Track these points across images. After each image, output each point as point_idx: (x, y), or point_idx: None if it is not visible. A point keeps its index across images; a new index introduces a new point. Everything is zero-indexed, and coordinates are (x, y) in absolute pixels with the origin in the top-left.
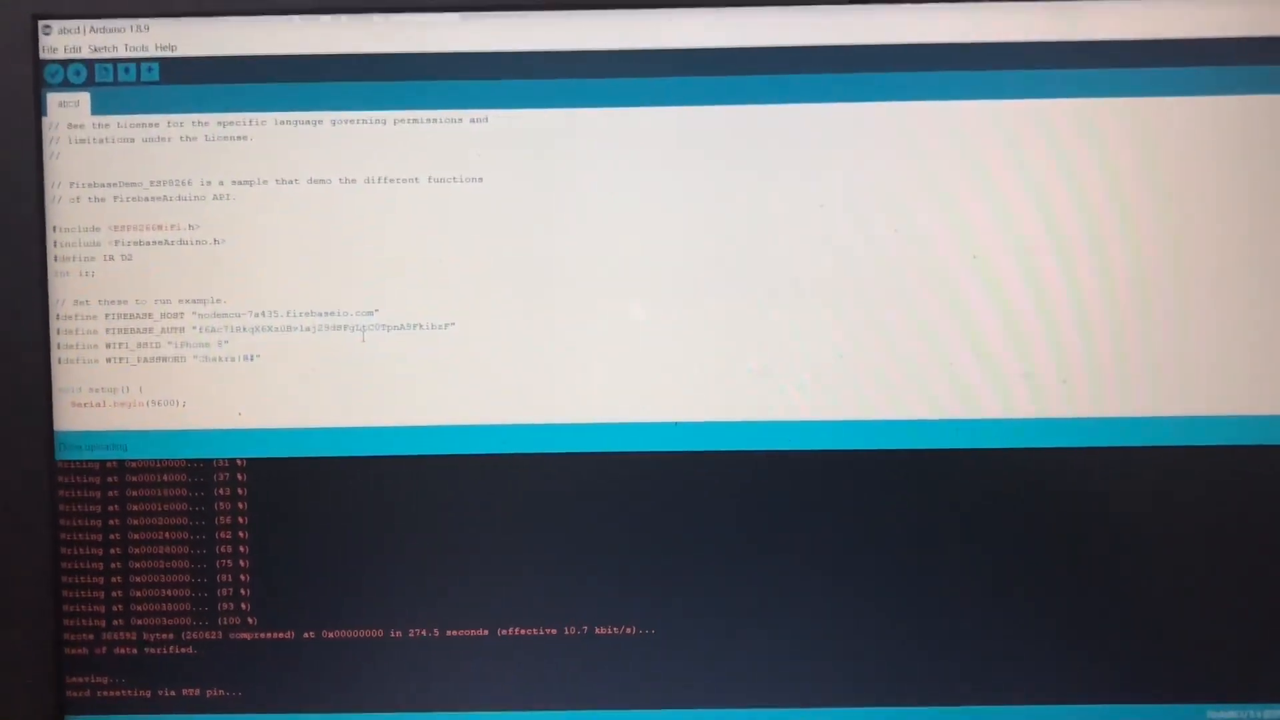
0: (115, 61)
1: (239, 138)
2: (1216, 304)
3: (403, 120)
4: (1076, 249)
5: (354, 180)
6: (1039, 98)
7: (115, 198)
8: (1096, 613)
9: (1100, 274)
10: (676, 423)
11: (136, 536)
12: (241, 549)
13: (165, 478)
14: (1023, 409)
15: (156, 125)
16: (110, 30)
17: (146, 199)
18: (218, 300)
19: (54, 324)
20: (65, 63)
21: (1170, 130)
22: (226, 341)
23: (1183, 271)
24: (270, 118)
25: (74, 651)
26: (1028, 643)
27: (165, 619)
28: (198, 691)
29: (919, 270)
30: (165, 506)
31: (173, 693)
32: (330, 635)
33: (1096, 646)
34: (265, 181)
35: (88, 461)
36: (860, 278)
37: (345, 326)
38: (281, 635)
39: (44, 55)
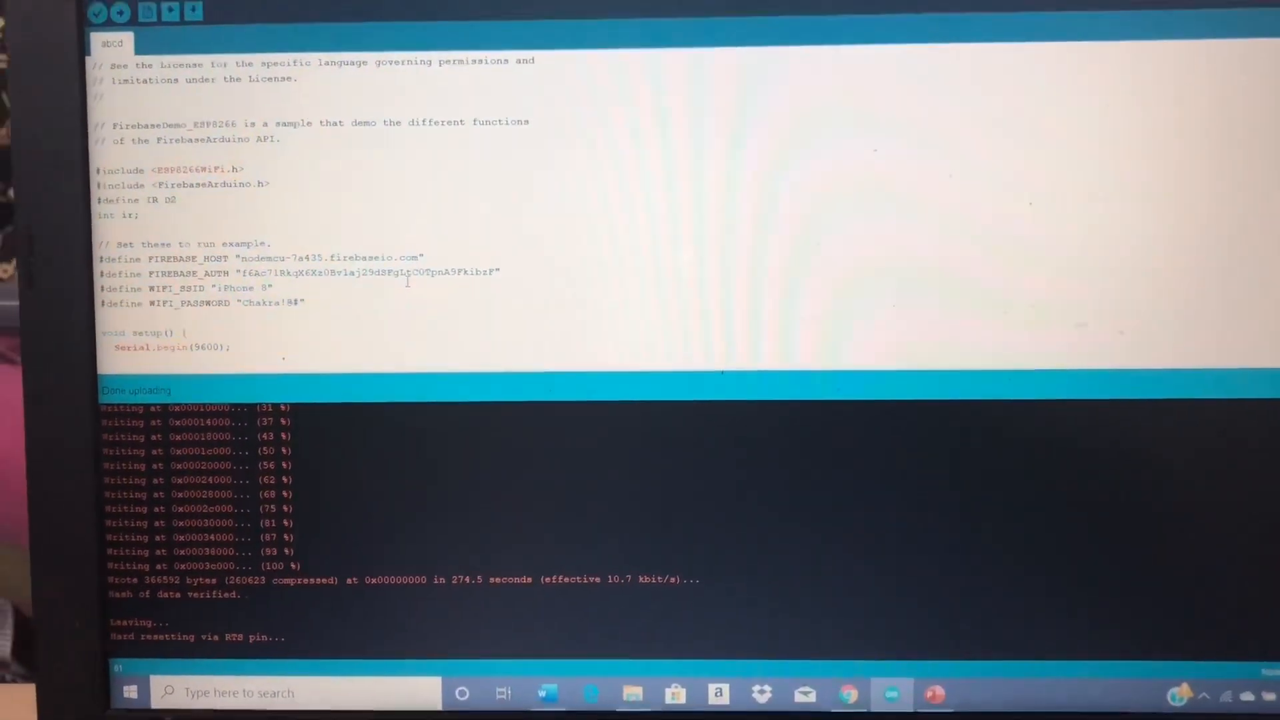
0: (159, 0)
1: (283, 78)
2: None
3: (448, 61)
4: (1136, 196)
5: (399, 122)
6: (1100, 39)
7: (159, 139)
8: (1151, 569)
9: (1161, 223)
10: (723, 371)
11: (180, 481)
12: (285, 494)
13: (209, 422)
14: (1078, 360)
15: (200, 65)
16: None
17: (190, 140)
18: (262, 243)
19: (97, 266)
20: (109, 1)
21: (1243, 74)
22: (270, 285)
23: (1247, 221)
24: (315, 58)
25: (118, 595)
26: (1081, 598)
27: (208, 564)
28: (241, 637)
29: (974, 216)
30: (209, 451)
31: (215, 637)
32: (373, 581)
33: (1152, 603)
34: (310, 123)
35: (131, 405)
36: (914, 224)
37: (390, 271)
38: (324, 581)
39: None
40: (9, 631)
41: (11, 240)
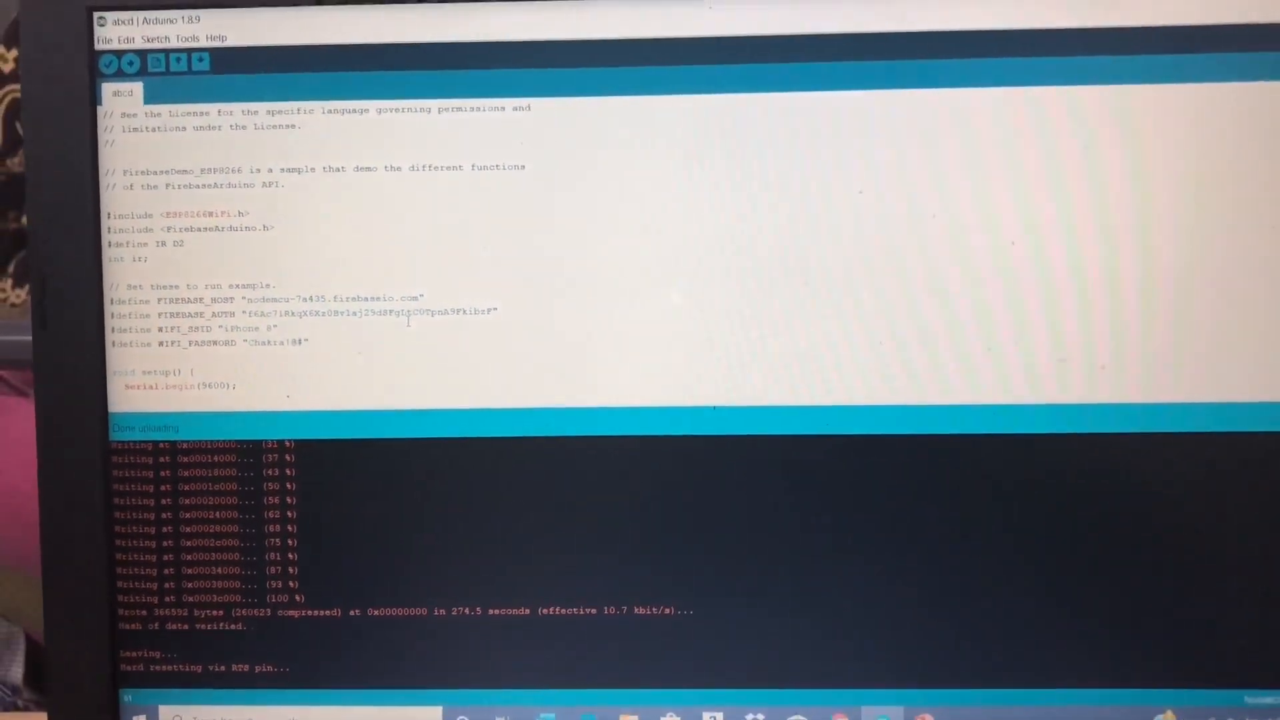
0: (167, 52)
1: (287, 126)
2: (1262, 291)
3: (447, 109)
4: (1116, 236)
5: (399, 168)
6: (1076, 84)
7: (167, 185)
8: (1135, 599)
9: (1140, 261)
10: (715, 407)
11: (188, 515)
12: (289, 528)
13: (215, 458)
14: (1059, 394)
15: (207, 114)
16: (162, 21)
17: (197, 186)
18: (267, 285)
19: (108, 308)
20: (119, 53)
21: (1217, 117)
22: (275, 325)
23: (1225, 259)
24: (318, 106)
25: (127, 627)
26: (1066, 627)
27: (215, 596)
28: (247, 667)
29: (957, 256)
30: (215, 486)
31: (222, 668)
32: (375, 613)
33: (1136, 632)
34: (313, 169)
35: (141, 442)
36: (899, 263)
37: (390, 311)
38: (328, 613)
39: (99, 46)
40: (21, 658)
41: (24, 266)
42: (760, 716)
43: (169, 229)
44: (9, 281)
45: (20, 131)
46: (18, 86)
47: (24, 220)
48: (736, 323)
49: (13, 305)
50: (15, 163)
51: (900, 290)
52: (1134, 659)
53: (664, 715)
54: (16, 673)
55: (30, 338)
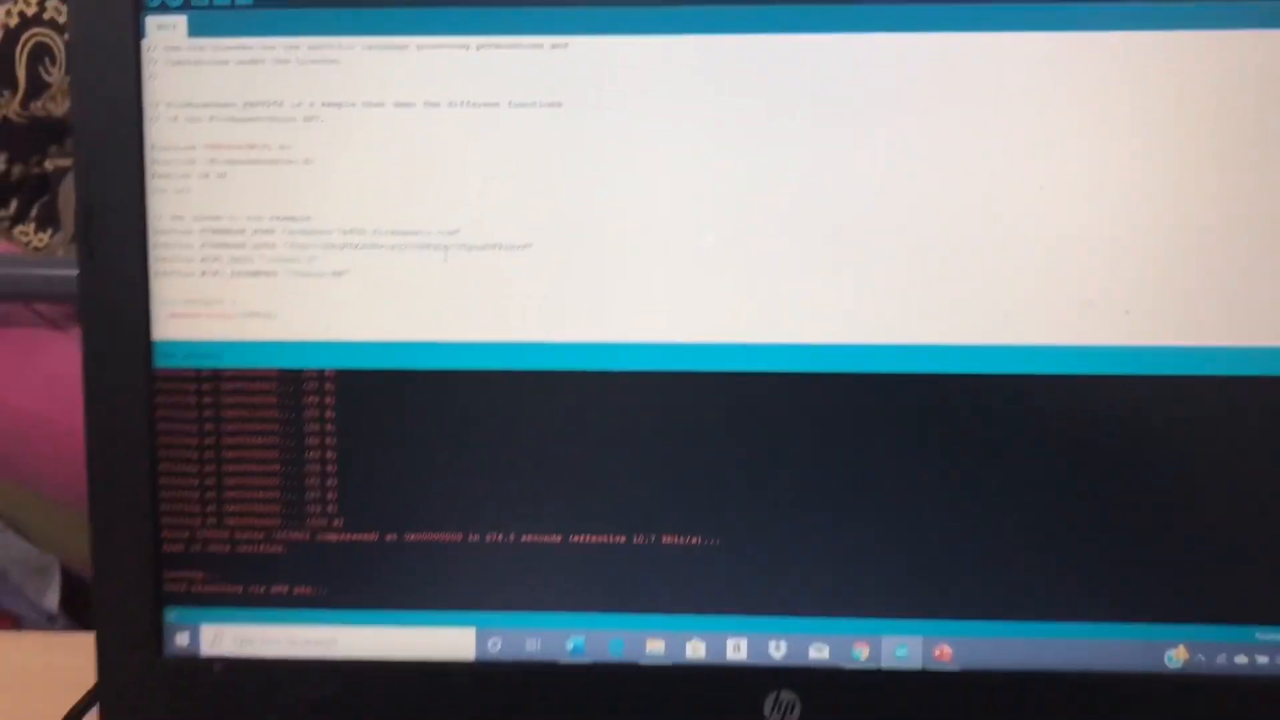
0: None
1: (329, 61)
2: None
3: (485, 45)
4: (1143, 180)
5: (437, 104)
6: (1106, 30)
7: (210, 118)
8: (1150, 537)
9: (1167, 205)
10: (742, 344)
11: (229, 441)
12: (328, 454)
13: (257, 385)
14: (1085, 336)
15: (250, 48)
16: None
17: (240, 119)
18: (307, 218)
19: (152, 238)
20: None
21: (1248, 64)
22: (315, 257)
23: (1252, 205)
24: (358, 42)
25: (171, 549)
26: (1083, 564)
27: (256, 519)
28: (286, 588)
29: (988, 199)
30: (256, 413)
31: (262, 589)
32: (412, 538)
33: (1150, 569)
34: (353, 104)
35: (184, 369)
36: (930, 204)
37: (428, 245)
38: (366, 537)
39: None
40: (57, 586)
41: (46, 210)
42: (783, 644)
43: (212, 161)
44: (31, 225)
45: (43, 75)
46: (40, 30)
47: (46, 165)
48: (766, 262)
49: (35, 249)
50: (38, 106)
51: (926, 233)
52: (1148, 595)
53: (689, 641)
54: (53, 599)
55: (65, 273)
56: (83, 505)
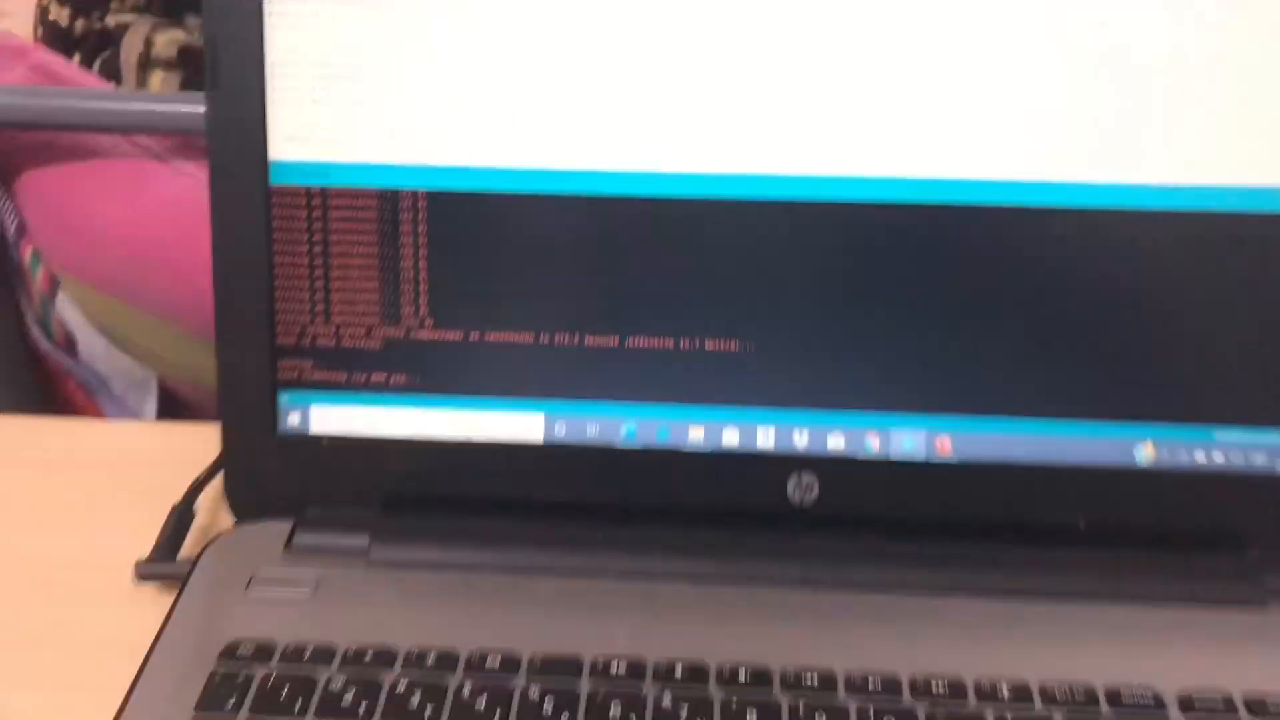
0: None
1: None
2: None
3: None
4: (1148, 19)
5: None
6: None
7: None
8: (1124, 347)
9: (1168, 45)
10: (777, 175)
11: (336, 249)
12: (421, 263)
13: (359, 203)
14: (1077, 172)
15: None
16: None
17: None
18: (406, 52)
19: (269, 70)
20: None
21: None
22: (413, 88)
23: (1249, 48)
24: None
25: (285, 342)
26: (1066, 371)
27: (358, 318)
28: (383, 377)
29: (993, 33)
30: (359, 226)
31: (363, 377)
32: (491, 337)
33: (1123, 375)
34: None
35: (296, 186)
36: (933, 37)
37: (515, 74)
38: (453, 335)
39: None
40: (154, 399)
41: (109, 66)
42: (805, 434)
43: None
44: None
45: None
46: None
47: (109, 20)
48: (797, 95)
49: None
50: None
51: (931, 64)
52: (1121, 398)
53: (725, 429)
54: (150, 410)
55: (164, 107)
56: (181, 323)
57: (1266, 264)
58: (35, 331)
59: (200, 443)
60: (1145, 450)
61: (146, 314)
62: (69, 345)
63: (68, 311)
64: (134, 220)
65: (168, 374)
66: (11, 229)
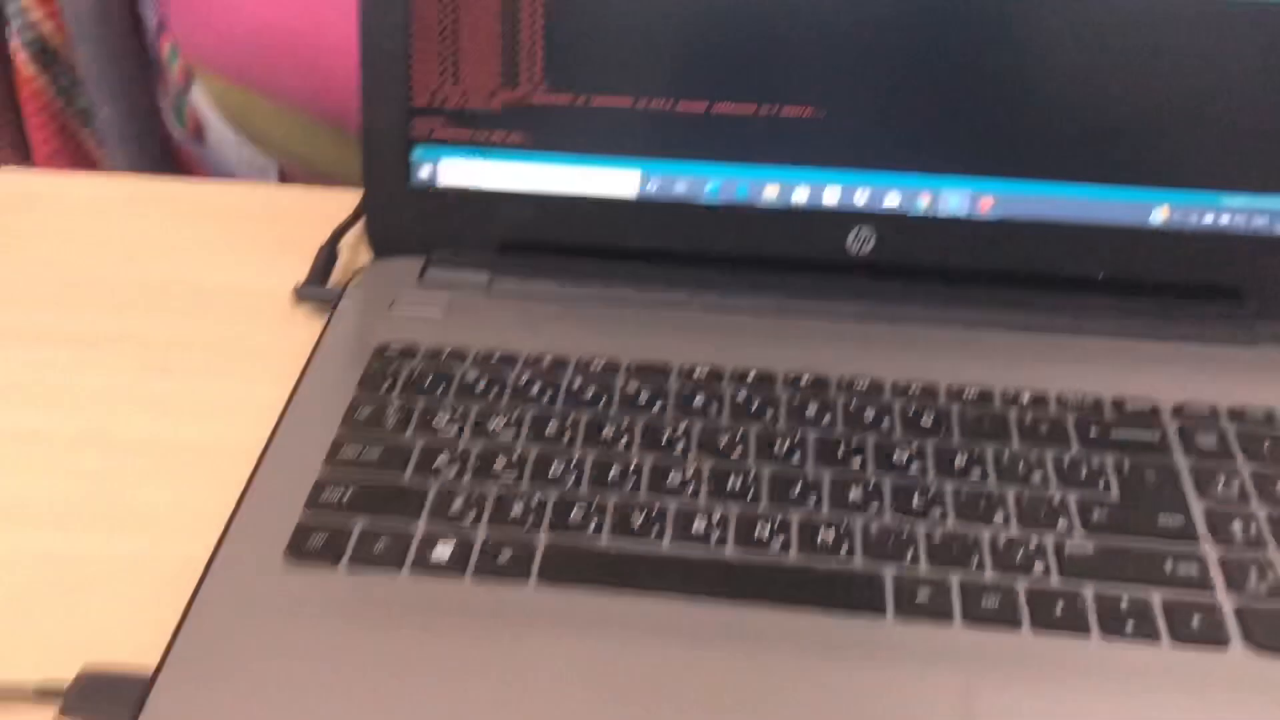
0: None
1: None
2: None
3: None
4: None
5: None
6: None
7: None
8: (1144, 116)
9: None
10: None
11: (464, 18)
12: (539, 32)
13: None
14: None
15: None
16: None
17: None
18: None
19: None
20: None
21: None
22: None
23: None
24: None
25: (418, 102)
26: (1091, 138)
27: (482, 81)
28: (503, 135)
29: None
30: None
31: (485, 135)
32: (597, 101)
33: (1142, 144)
34: None
35: None
36: None
37: None
38: (563, 98)
39: None
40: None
41: None
42: (865, 193)
43: None
44: None
45: None
46: None
47: None
48: None
49: None
50: None
51: None
52: (1141, 165)
53: (795, 188)
54: None
55: None
56: (307, 111)
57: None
58: (170, 120)
59: (331, 203)
60: (1160, 212)
61: (274, 103)
62: (199, 133)
63: (200, 101)
64: (266, 11)
65: (287, 162)
66: (153, 24)
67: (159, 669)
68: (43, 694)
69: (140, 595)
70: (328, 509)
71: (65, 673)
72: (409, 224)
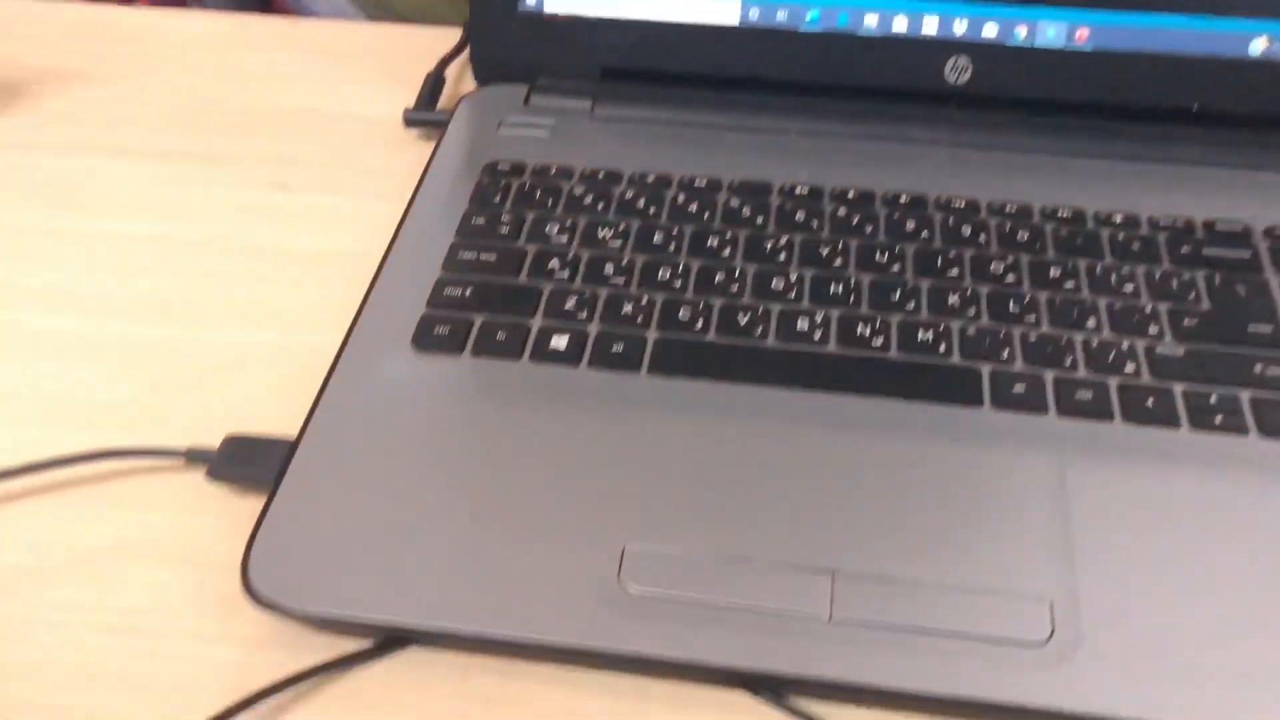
0: None
1: None
2: None
3: None
4: None
5: None
6: None
7: None
8: None
9: None
10: None
11: None
12: None
13: None
14: None
15: None
16: None
17: None
18: None
19: None
20: None
21: None
22: None
23: None
24: None
25: None
26: None
27: None
28: None
29: None
30: None
31: None
32: None
33: None
34: None
35: None
36: None
37: None
38: None
39: None
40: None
41: None
42: (964, 23)
43: None
44: None
45: None
46: None
47: None
48: None
49: None
50: None
51: None
52: None
53: (895, 16)
54: None
55: None
56: None
57: None
58: None
59: (429, 39)
60: (1259, 43)
61: None
62: None
63: None
64: None
65: (366, 4)
66: None
67: (299, 436)
68: (193, 457)
69: (274, 379)
70: (449, 304)
71: (210, 444)
72: (513, 51)
